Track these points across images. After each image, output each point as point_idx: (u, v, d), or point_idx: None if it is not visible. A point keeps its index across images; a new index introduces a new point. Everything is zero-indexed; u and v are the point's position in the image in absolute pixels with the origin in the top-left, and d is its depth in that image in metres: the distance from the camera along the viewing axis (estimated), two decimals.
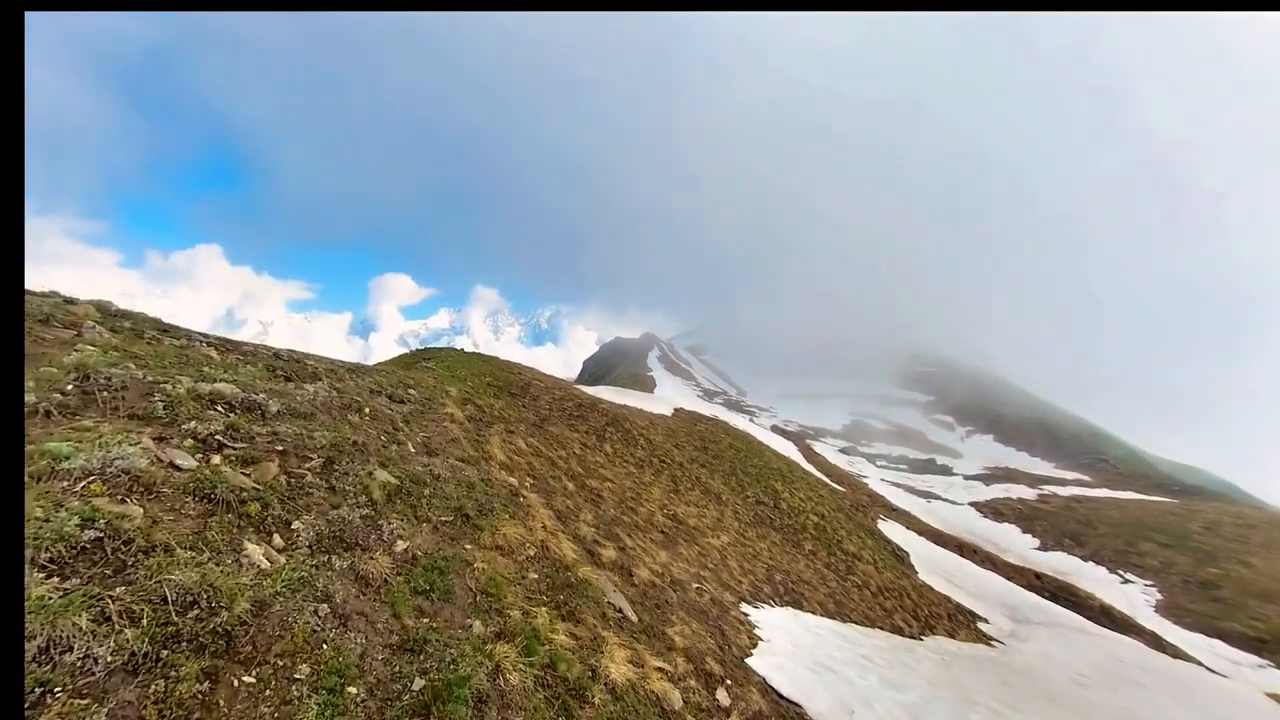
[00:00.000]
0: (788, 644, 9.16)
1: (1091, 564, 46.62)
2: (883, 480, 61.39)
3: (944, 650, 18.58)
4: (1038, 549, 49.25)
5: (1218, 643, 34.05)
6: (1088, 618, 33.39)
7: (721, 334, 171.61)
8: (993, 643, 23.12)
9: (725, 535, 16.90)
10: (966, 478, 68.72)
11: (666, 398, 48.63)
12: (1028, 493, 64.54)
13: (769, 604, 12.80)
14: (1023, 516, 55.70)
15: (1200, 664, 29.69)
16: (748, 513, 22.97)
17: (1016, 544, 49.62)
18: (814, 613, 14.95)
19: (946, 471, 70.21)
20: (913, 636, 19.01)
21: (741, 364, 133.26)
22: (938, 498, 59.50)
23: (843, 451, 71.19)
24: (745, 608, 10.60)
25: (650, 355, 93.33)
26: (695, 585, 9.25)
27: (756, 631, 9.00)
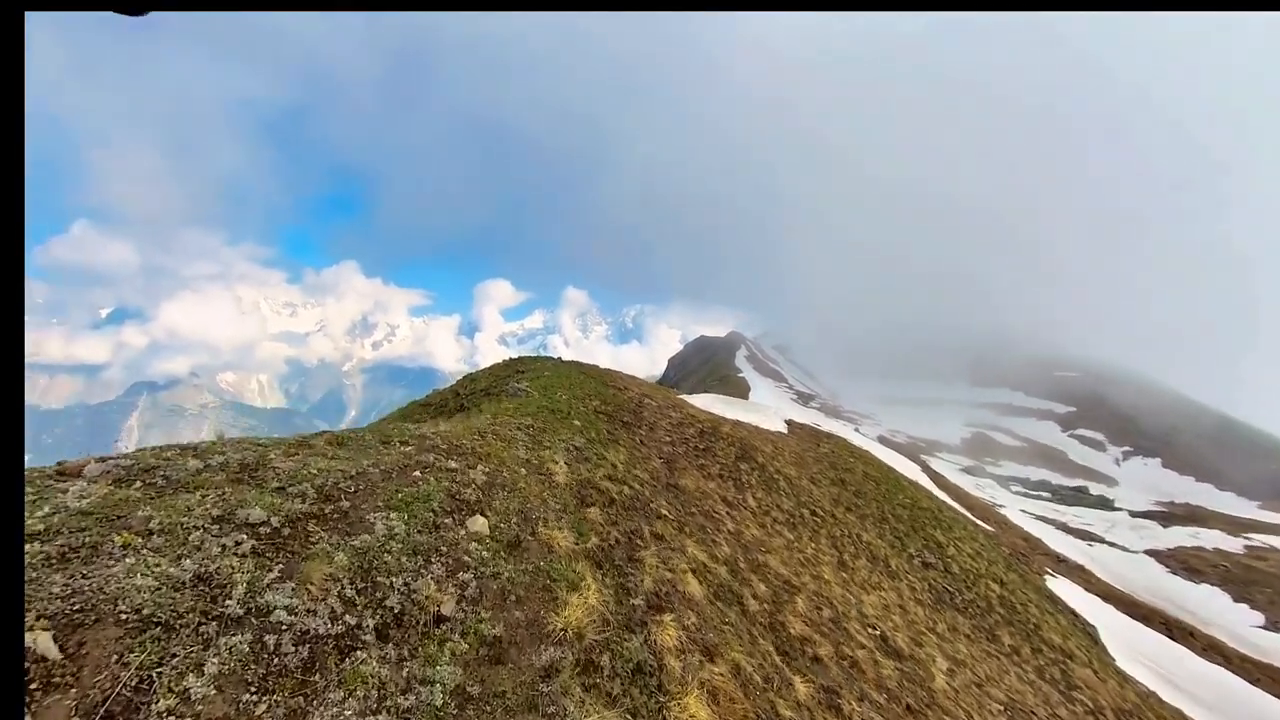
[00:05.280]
0: None
1: None
2: (1024, 512, 50.61)
3: None
4: (1263, 627, 36.63)
5: None
6: None
7: (809, 332, 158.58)
8: None
9: (938, 655, 11.30)
10: (1134, 514, 55.06)
11: (769, 406, 42.50)
12: (1228, 542, 50.06)
13: None
14: (1231, 578, 42.42)
15: None
16: (921, 585, 16.94)
17: (1225, 616, 37.32)
18: None
19: (1105, 504, 56.72)
20: None
21: (833, 364, 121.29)
22: (1099, 540, 47.77)
23: (966, 471, 60.19)
24: None
25: (738, 355, 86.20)
26: None
27: None
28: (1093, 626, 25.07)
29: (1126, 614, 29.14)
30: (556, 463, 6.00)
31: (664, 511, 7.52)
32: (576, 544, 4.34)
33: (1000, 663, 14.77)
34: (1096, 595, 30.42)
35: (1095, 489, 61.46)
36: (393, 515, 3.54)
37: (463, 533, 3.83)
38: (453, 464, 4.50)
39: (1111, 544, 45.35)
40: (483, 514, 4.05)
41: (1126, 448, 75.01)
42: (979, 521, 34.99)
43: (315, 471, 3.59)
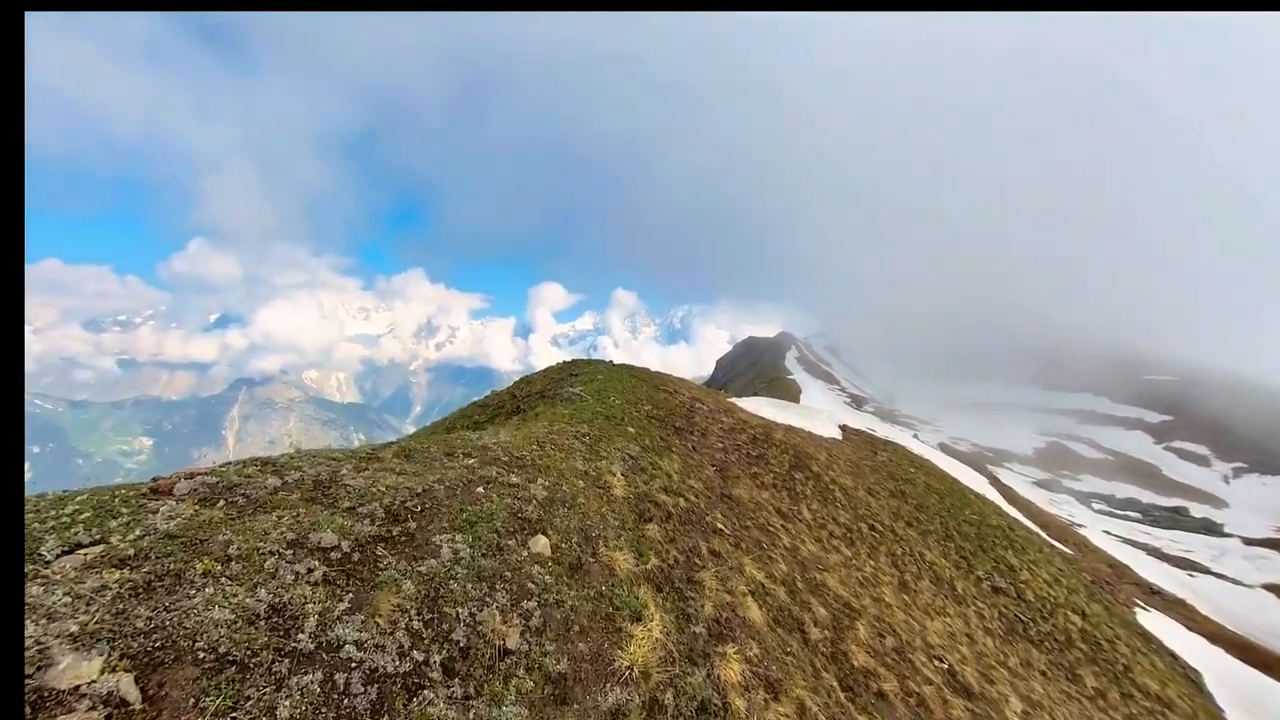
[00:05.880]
0: None
1: None
2: (1107, 534, 45.53)
3: None
4: None
5: None
6: None
7: (863, 331, 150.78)
8: None
9: (1011, 694, 10.28)
10: (1249, 541, 48.08)
11: (821, 409, 40.67)
12: None
13: None
14: None
15: None
16: (990, 612, 15.54)
17: None
18: None
19: (1210, 529, 49.93)
20: None
21: (888, 365, 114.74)
22: (1203, 570, 42.10)
23: (1039, 485, 54.92)
24: None
25: (788, 356, 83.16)
26: None
27: None
28: (1196, 672, 22.04)
29: (1242, 660, 25.32)
30: (614, 474, 5.85)
31: (720, 526, 7.20)
32: (637, 565, 4.15)
33: (1083, 706, 13.25)
34: (1201, 635, 26.68)
35: (1197, 510, 54.27)
36: (458, 537, 3.46)
37: (525, 554, 3.73)
38: (514, 479, 4.43)
39: (1219, 575, 39.78)
40: (544, 533, 4.00)
41: (1238, 463, 65.68)
42: (1055, 543, 31.70)
43: (383, 489, 3.60)
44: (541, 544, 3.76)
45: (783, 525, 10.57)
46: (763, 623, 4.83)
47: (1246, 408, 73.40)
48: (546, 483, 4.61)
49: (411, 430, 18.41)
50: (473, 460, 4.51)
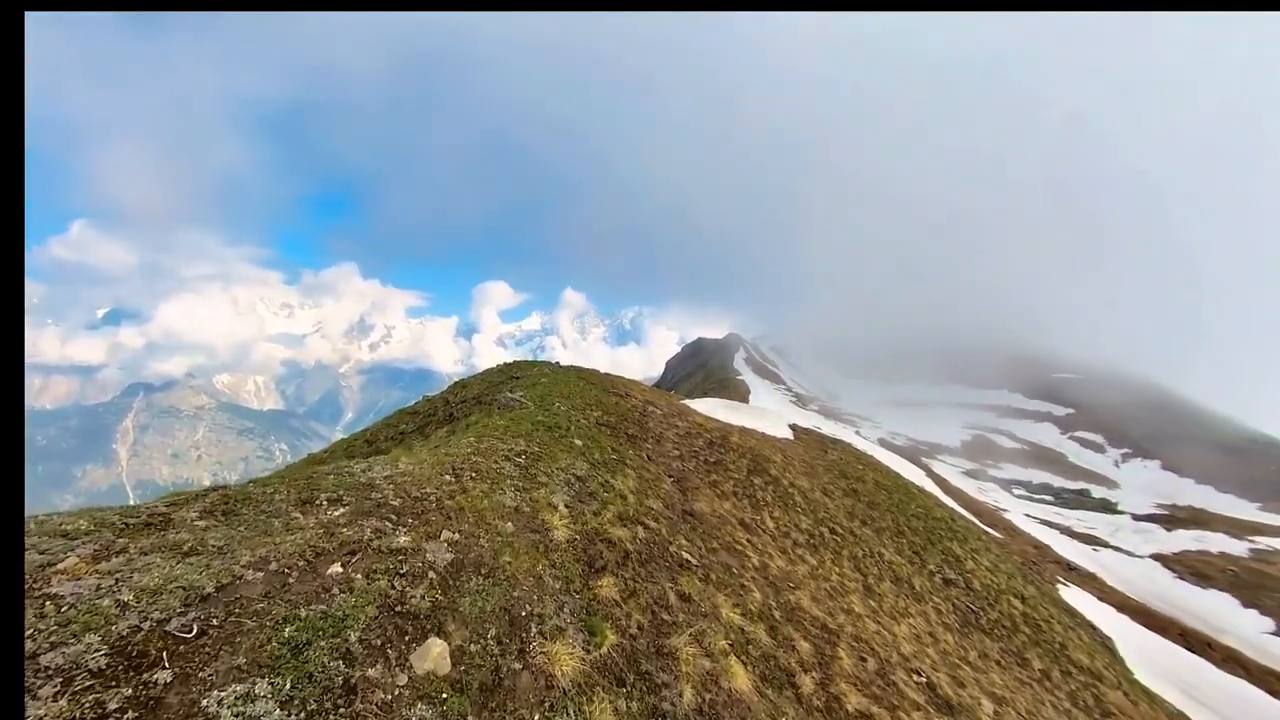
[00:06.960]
0: None
1: None
2: (1028, 516, 49.60)
3: None
4: (1274, 634, 35.65)
5: None
6: None
7: (807, 334, 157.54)
8: None
9: (982, 696, 10.08)
10: (1136, 518, 54.15)
11: (771, 409, 41.17)
12: (1233, 545, 49.31)
13: None
14: (1240, 583, 41.52)
15: None
16: (945, 606, 15.74)
17: (1235, 622, 36.32)
18: None
19: (1107, 507, 55.79)
20: None
21: (830, 366, 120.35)
22: (1104, 544, 46.80)
23: (968, 475, 59.11)
24: None
25: (737, 357, 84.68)
26: None
27: None
28: (1109, 639, 23.96)
29: (1142, 625, 27.99)
30: (555, 508, 4.60)
31: (686, 556, 6.16)
32: (588, 653, 2.85)
33: (1034, 691, 13.59)
34: (1110, 605, 29.29)
35: (1097, 492, 60.55)
36: (261, 685, 1.81)
37: (403, 683, 2.14)
38: (401, 539, 2.93)
39: (1117, 549, 44.30)
40: (441, 633, 2.47)
41: (1125, 450, 74.18)
42: (988, 529, 33.79)
43: (126, 600, 1.92)
44: (434, 655, 2.30)
45: (749, 540, 9.73)
46: (751, 690, 3.84)
47: (1129, 401, 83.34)
48: (455, 535, 3.08)
49: (341, 438, 16.06)
50: (340, 511, 2.92)
